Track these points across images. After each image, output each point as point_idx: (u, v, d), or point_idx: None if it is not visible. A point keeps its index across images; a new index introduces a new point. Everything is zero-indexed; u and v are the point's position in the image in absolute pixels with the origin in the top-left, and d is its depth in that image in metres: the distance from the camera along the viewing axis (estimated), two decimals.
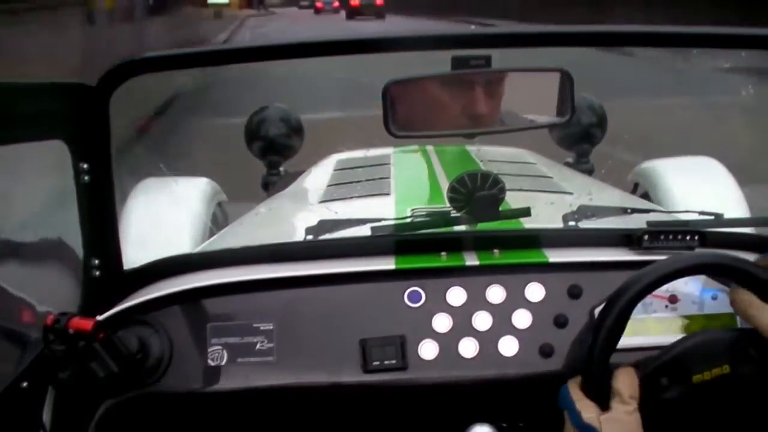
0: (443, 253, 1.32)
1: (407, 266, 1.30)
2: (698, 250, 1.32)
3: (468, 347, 1.25)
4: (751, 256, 1.16)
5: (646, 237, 1.32)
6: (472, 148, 2.31)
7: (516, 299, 1.28)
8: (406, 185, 1.99)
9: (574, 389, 1.11)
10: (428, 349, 1.25)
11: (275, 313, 1.26)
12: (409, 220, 1.47)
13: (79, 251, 1.25)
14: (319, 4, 40.88)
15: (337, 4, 39.69)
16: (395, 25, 27.28)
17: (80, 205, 1.22)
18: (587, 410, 1.07)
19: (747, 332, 1.15)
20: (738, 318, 1.25)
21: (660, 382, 1.10)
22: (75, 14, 10.03)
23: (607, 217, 1.50)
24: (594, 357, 1.08)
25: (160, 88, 8.21)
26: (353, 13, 32.58)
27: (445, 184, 1.46)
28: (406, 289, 1.28)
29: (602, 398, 1.08)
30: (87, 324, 1.13)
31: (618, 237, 1.36)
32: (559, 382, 1.14)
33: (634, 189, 2.64)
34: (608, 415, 1.06)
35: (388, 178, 2.03)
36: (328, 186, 2.09)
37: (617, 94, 5.56)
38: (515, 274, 1.29)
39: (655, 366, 1.11)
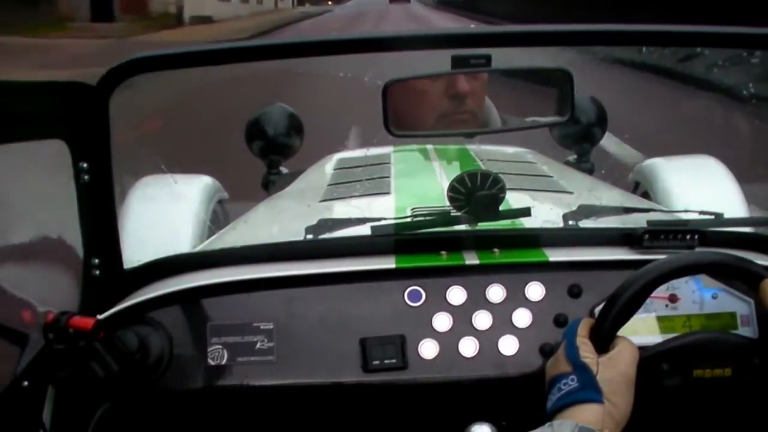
0: (443, 253, 1.32)
1: (407, 265, 1.30)
2: (698, 249, 1.32)
3: (468, 346, 1.25)
4: (751, 256, 1.16)
5: (646, 236, 1.32)
6: (472, 147, 2.30)
7: (516, 298, 1.28)
8: (406, 184, 1.98)
9: (583, 327, 1.13)
10: (428, 349, 1.25)
11: (275, 313, 1.26)
12: (409, 219, 1.47)
13: (79, 251, 1.25)
14: None
15: None
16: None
17: (80, 204, 1.22)
18: (585, 348, 1.09)
19: (752, 341, 1.16)
20: (738, 319, 1.25)
21: (661, 366, 1.11)
22: None
23: (607, 217, 1.50)
24: (615, 306, 1.10)
25: None
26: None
27: (445, 184, 1.46)
28: (406, 289, 1.28)
29: (603, 344, 1.10)
30: (87, 323, 1.13)
31: (618, 236, 1.36)
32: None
33: (635, 188, 2.63)
34: (607, 356, 1.08)
35: (388, 177, 2.02)
36: (328, 185, 2.08)
37: None
38: (515, 273, 1.29)
39: (659, 351, 1.12)
